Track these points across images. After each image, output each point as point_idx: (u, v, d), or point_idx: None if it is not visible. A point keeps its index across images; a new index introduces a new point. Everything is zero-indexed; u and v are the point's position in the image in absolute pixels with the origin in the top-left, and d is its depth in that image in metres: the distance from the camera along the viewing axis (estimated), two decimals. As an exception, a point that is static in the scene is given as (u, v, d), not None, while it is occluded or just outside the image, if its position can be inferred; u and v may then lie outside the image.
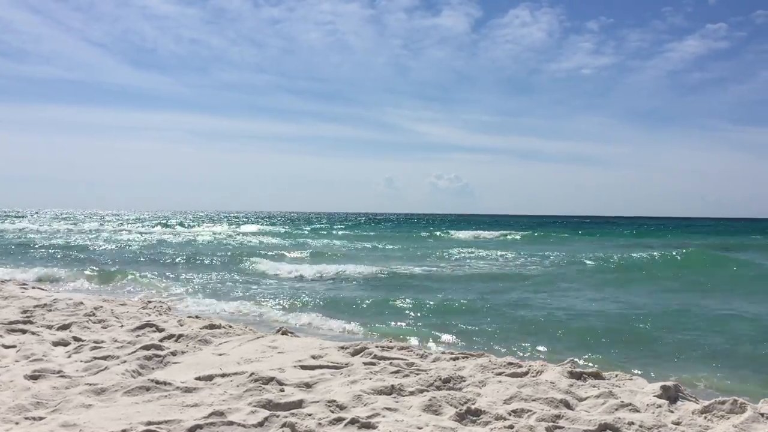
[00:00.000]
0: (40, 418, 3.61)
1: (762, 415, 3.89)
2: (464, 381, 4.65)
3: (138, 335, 6.43)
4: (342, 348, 5.79)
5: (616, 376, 5.01)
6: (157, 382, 4.27)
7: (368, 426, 3.60)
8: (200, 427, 3.48)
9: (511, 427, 3.67)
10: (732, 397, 4.15)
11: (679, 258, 18.83)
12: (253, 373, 4.57)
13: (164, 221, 61.48)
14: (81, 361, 5.14)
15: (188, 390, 4.24)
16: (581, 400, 4.30)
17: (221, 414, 3.65)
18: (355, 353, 5.61)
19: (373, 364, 5.16)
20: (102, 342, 5.96)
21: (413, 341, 7.40)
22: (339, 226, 57.19)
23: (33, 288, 11.00)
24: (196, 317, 8.07)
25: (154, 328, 6.72)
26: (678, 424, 3.86)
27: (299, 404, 3.94)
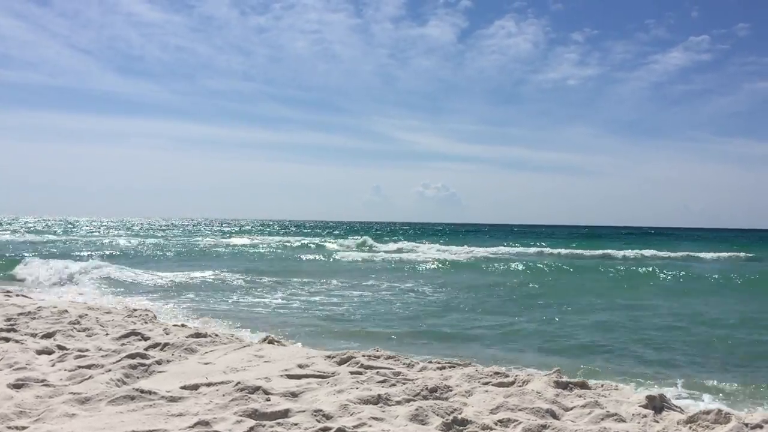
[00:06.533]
0: (23, 428, 3.57)
1: (746, 425, 3.93)
2: (451, 390, 4.65)
3: (123, 344, 6.38)
4: (328, 357, 5.77)
5: (602, 385, 5.04)
6: (142, 392, 4.23)
7: (355, 436, 3.59)
8: (185, 436, 3.46)
9: (497, 437, 3.67)
10: (717, 407, 4.18)
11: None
12: (239, 383, 4.54)
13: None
14: (65, 370, 5.09)
15: (173, 399, 4.21)
16: (567, 410, 4.31)
17: (206, 423, 3.63)
18: (341, 362, 5.60)
19: (360, 373, 5.15)
20: (86, 350, 5.90)
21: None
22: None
23: (17, 295, 10.88)
24: (182, 325, 8.02)
25: (139, 337, 6.67)
26: (663, 434, 3.89)
27: (285, 414, 3.92)
